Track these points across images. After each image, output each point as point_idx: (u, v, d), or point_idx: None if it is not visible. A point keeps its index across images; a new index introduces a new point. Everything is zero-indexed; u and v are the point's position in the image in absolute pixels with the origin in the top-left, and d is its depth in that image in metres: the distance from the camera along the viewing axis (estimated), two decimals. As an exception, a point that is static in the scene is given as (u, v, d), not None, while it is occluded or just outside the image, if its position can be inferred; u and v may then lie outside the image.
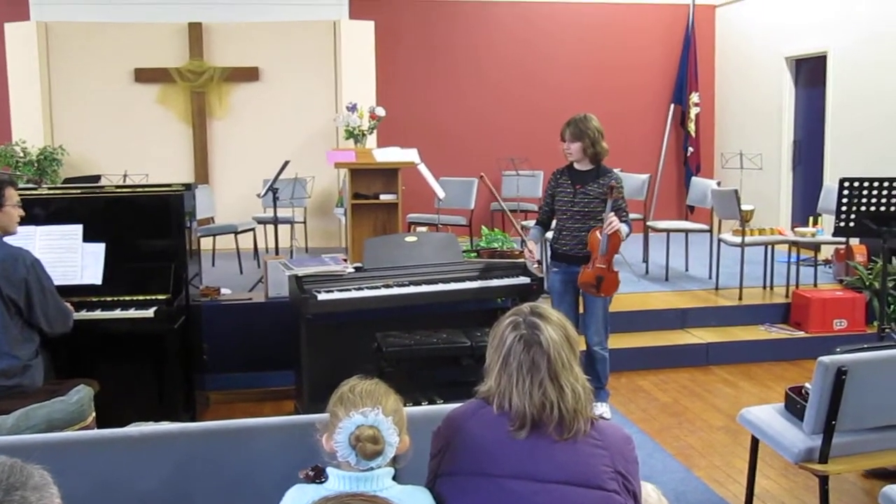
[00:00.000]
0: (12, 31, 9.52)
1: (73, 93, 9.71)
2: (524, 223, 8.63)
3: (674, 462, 4.78)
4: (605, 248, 5.08)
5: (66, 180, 8.27)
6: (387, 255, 5.43)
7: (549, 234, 5.71)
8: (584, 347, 5.35)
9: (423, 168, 7.14)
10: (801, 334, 6.92)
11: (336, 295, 5.07)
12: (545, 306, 2.25)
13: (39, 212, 4.83)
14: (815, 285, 7.61)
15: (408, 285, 5.27)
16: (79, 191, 5.29)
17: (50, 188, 5.64)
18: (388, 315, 5.47)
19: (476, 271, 5.53)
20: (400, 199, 7.21)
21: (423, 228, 8.60)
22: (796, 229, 7.85)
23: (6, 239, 4.09)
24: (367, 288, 5.19)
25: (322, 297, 5.01)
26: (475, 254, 6.06)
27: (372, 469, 2.05)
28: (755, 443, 4.07)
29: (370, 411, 2.04)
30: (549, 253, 5.65)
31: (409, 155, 7.37)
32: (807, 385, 3.79)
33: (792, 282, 7.49)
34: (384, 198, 7.15)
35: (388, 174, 7.23)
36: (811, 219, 7.96)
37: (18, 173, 8.42)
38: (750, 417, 4.05)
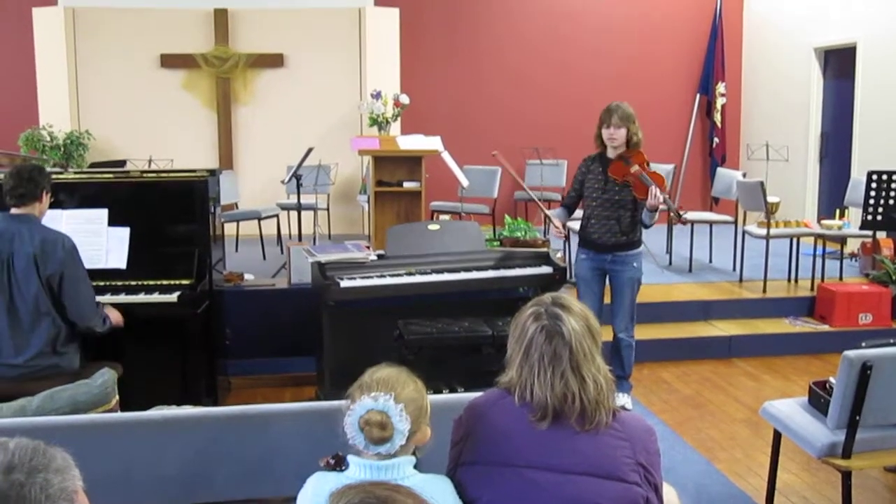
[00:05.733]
0: (40, 16, 9.58)
1: (100, 78, 9.76)
2: (546, 212, 8.60)
3: (695, 454, 4.76)
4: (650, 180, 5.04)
5: (92, 165, 8.31)
6: (409, 243, 5.43)
7: (575, 224, 5.70)
8: (609, 337, 5.35)
9: (446, 156, 7.13)
10: (826, 328, 6.86)
11: (358, 282, 5.08)
12: (567, 296, 2.24)
13: (65, 196, 4.87)
14: (841, 279, 7.53)
15: (430, 273, 5.27)
16: (104, 175, 5.32)
17: (76, 172, 5.67)
18: (410, 303, 5.48)
19: (498, 260, 5.52)
20: (423, 187, 7.20)
21: (446, 216, 8.59)
22: (822, 222, 7.78)
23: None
24: (390, 275, 5.20)
25: (344, 284, 5.02)
26: (498, 242, 6.05)
27: (380, 454, 2.05)
28: (777, 436, 4.04)
29: (381, 396, 2.04)
30: (576, 240, 5.63)
31: (433, 143, 7.36)
32: (831, 379, 3.76)
33: (817, 275, 7.41)
34: (407, 185, 7.14)
35: (412, 162, 7.23)
36: (838, 211, 7.89)
37: (45, 157, 8.47)
38: (773, 411, 4.03)
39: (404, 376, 2.13)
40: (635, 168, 5.09)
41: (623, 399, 5.39)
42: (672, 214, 5.30)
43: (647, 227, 5.27)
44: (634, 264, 5.31)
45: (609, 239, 5.22)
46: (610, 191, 5.19)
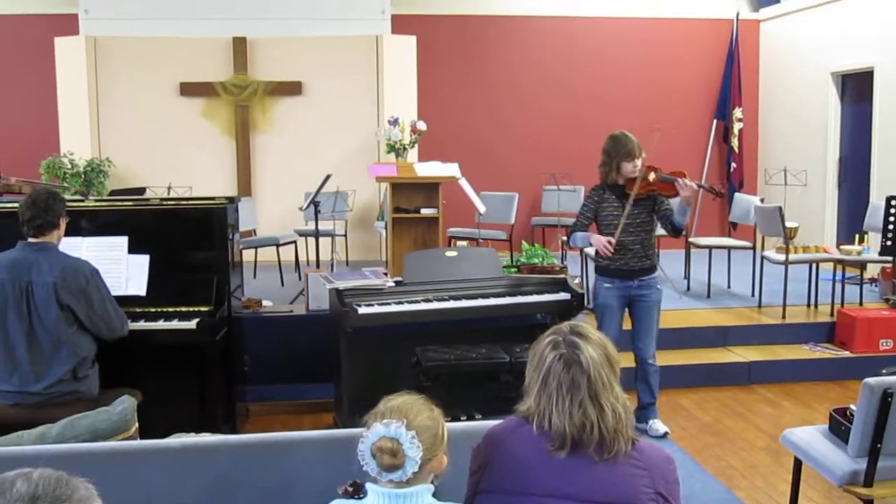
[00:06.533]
0: (62, 45, 9.71)
1: (120, 106, 9.86)
2: (563, 238, 8.60)
3: (715, 482, 4.72)
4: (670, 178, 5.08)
5: (113, 192, 8.39)
6: (427, 270, 5.44)
7: (590, 251, 5.69)
8: (629, 363, 5.33)
9: (463, 182, 7.15)
10: (846, 354, 6.81)
11: (376, 309, 5.09)
12: (585, 325, 2.24)
13: (86, 223, 4.91)
14: (861, 304, 7.48)
15: (447, 300, 5.27)
16: (124, 203, 5.37)
17: (96, 200, 5.73)
18: (427, 329, 5.48)
19: (516, 286, 5.52)
20: (440, 214, 7.22)
21: (464, 243, 8.60)
22: (842, 247, 7.73)
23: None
24: (407, 302, 5.20)
25: (362, 310, 5.03)
26: (515, 269, 6.04)
27: (393, 481, 2.06)
28: (798, 464, 4.01)
29: (393, 424, 2.04)
30: (593, 268, 5.60)
31: (450, 169, 7.39)
32: (852, 406, 3.74)
33: (837, 300, 7.37)
34: (425, 212, 7.17)
35: (429, 188, 7.25)
36: (857, 237, 7.84)
37: (66, 185, 8.56)
38: (793, 439, 4.00)
39: (419, 404, 2.14)
40: (652, 175, 5.13)
41: (660, 426, 5.39)
42: (712, 193, 5.30)
43: (680, 229, 5.24)
44: (658, 286, 5.37)
45: (636, 264, 5.23)
46: (630, 215, 5.19)
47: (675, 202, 5.26)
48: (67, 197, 5.14)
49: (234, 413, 5.25)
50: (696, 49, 11.19)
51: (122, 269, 4.78)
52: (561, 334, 2.19)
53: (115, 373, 4.51)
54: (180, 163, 9.66)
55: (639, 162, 5.17)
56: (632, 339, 5.39)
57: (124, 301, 4.65)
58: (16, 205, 4.56)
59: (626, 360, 5.37)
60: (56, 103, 9.72)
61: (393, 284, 5.36)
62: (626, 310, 5.40)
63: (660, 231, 5.48)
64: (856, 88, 9.69)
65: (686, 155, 11.08)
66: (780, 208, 7.33)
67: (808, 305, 7.56)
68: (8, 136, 10.03)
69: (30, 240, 4.13)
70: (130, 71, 9.84)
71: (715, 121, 11.28)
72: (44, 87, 9.84)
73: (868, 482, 3.54)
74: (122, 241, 4.82)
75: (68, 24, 9.82)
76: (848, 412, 3.80)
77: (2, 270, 4.07)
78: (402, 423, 2.04)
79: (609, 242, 5.13)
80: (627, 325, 5.47)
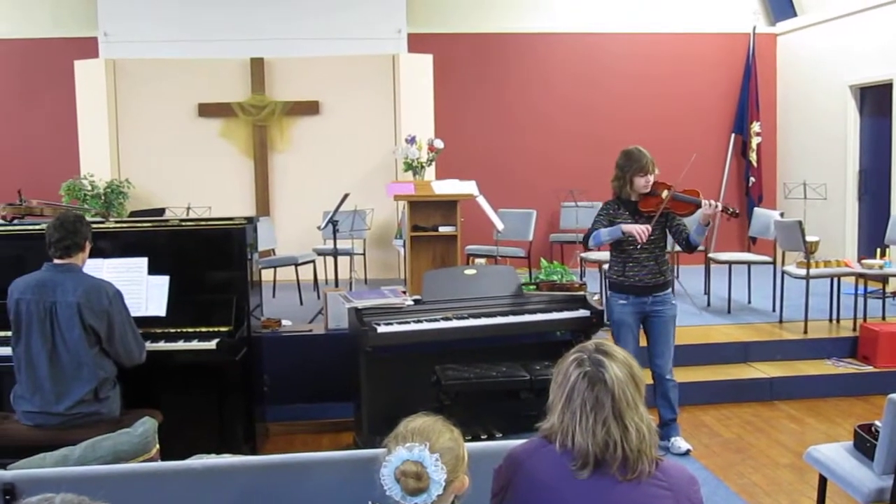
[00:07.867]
0: (82, 68, 9.80)
1: (140, 127, 9.94)
2: (582, 255, 8.58)
3: (738, 500, 4.67)
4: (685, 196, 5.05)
5: (132, 213, 8.45)
6: (446, 288, 5.43)
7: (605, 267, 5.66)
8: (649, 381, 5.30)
9: (481, 200, 7.15)
10: (870, 369, 6.74)
11: (395, 328, 5.09)
12: (610, 343, 2.23)
13: (106, 245, 4.94)
14: (884, 318, 7.42)
15: (467, 318, 5.27)
16: (144, 224, 5.40)
17: (116, 221, 5.76)
18: (446, 348, 5.47)
19: (535, 304, 5.50)
20: (459, 231, 7.22)
21: (482, 260, 8.59)
22: (863, 261, 7.67)
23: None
24: (427, 321, 5.20)
25: (381, 329, 5.03)
26: (534, 286, 6.03)
27: None
28: (823, 482, 3.96)
29: (416, 447, 2.03)
30: (607, 284, 5.57)
31: (468, 187, 7.39)
32: (877, 423, 3.70)
33: (859, 315, 7.30)
34: (443, 230, 7.16)
35: (447, 206, 7.25)
36: (878, 250, 7.78)
37: (86, 206, 8.62)
38: (818, 456, 3.95)
39: (440, 425, 2.13)
40: (665, 193, 5.09)
41: (683, 443, 5.34)
42: (727, 213, 5.25)
43: (695, 246, 5.21)
44: (672, 302, 5.34)
45: (650, 280, 5.20)
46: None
47: (689, 220, 5.24)
48: (88, 218, 5.18)
49: (254, 433, 5.26)
50: (713, 64, 11.18)
51: (142, 290, 4.80)
52: (586, 352, 2.18)
53: (135, 393, 4.53)
54: (199, 183, 9.71)
55: (651, 178, 5.14)
56: (648, 356, 5.34)
57: (144, 322, 4.67)
58: (38, 227, 4.61)
59: (644, 377, 5.35)
60: (76, 126, 9.81)
61: (412, 303, 5.37)
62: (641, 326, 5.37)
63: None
64: (875, 101, 9.64)
65: (704, 170, 11.04)
66: (800, 222, 7.28)
67: (830, 320, 7.50)
68: (29, 158, 10.14)
69: (55, 261, 4.17)
70: (149, 93, 9.92)
71: (733, 135, 11.25)
72: (64, 109, 9.94)
73: (894, 500, 3.50)
74: (142, 263, 4.84)
75: (88, 47, 9.93)
76: (873, 428, 3.76)
77: (27, 291, 4.11)
78: (426, 445, 2.03)
79: (647, 229, 5.03)
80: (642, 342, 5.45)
